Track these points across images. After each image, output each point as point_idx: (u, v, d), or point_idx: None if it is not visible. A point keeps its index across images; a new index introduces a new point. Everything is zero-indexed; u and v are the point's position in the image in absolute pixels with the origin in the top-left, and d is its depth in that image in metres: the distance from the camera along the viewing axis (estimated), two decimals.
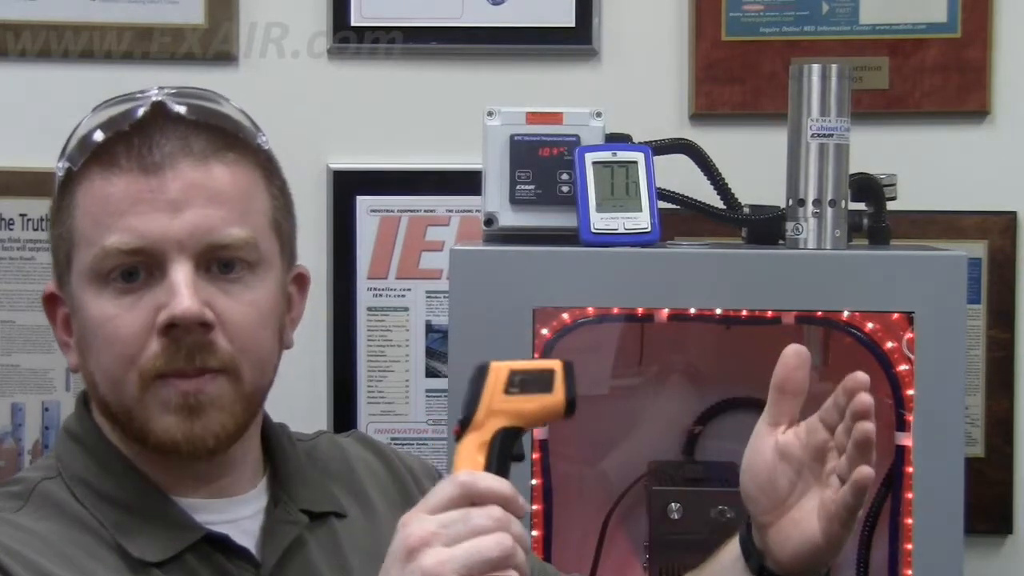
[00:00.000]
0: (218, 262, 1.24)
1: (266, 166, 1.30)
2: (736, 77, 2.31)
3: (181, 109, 1.26)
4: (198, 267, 1.23)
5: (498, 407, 1.17)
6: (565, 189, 1.95)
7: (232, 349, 1.23)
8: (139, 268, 1.23)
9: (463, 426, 1.16)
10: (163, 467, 1.27)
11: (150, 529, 1.25)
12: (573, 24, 2.32)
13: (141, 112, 1.25)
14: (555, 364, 1.20)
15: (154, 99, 1.26)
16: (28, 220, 2.33)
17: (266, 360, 1.28)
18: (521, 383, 1.18)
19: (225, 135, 1.27)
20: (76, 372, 1.29)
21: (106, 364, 1.24)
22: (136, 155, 1.23)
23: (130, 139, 1.24)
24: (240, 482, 1.31)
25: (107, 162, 1.24)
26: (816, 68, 1.90)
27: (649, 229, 1.89)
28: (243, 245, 1.25)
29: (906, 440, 1.87)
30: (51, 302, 1.31)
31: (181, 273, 1.21)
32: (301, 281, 1.37)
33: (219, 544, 1.26)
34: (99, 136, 1.25)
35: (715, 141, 2.13)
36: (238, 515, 1.30)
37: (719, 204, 2.05)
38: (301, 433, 1.46)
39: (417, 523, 1.09)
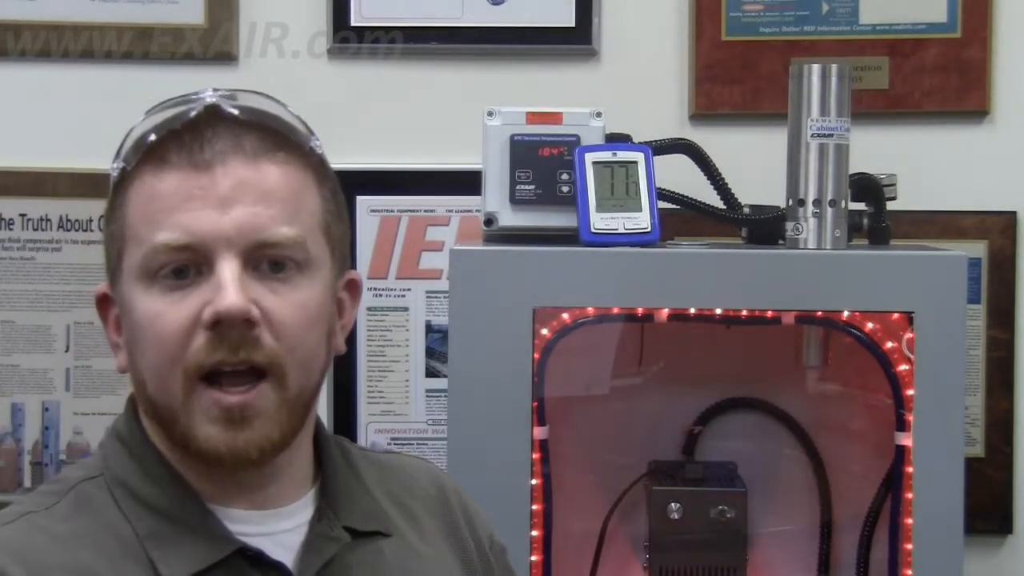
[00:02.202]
0: (267, 261, 1.23)
1: (318, 169, 1.29)
2: (736, 77, 2.31)
3: (234, 110, 1.26)
4: (247, 265, 1.22)
5: None
6: (565, 189, 1.95)
7: (277, 347, 1.22)
8: (188, 266, 1.22)
9: None
10: (206, 474, 1.25)
11: (184, 540, 1.23)
12: (573, 24, 2.32)
13: (194, 113, 1.25)
14: None
15: (208, 101, 1.26)
16: (28, 220, 2.33)
17: (312, 362, 1.26)
18: None
19: (277, 135, 1.26)
20: (124, 373, 1.28)
21: (152, 362, 1.23)
22: (187, 152, 1.23)
23: (181, 137, 1.23)
24: (285, 492, 1.29)
25: (158, 160, 1.23)
26: (816, 68, 1.91)
27: (649, 229, 1.89)
28: (292, 244, 1.23)
29: (906, 440, 1.87)
30: (103, 303, 1.30)
31: (228, 269, 1.20)
32: (353, 287, 1.35)
33: (253, 558, 1.24)
34: (152, 137, 1.24)
35: (715, 141, 2.13)
36: (277, 528, 1.27)
37: (719, 204, 2.05)
38: (365, 448, 1.46)
39: None
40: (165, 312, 1.21)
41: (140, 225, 1.23)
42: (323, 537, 1.28)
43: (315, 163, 1.29)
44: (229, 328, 1.20)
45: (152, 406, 1.25)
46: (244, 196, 1.22)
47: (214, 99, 1.26)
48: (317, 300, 1.26)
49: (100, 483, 1.27)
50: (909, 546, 1.87)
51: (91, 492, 1.26)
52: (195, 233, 1.21)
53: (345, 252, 1.33)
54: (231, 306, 1.19)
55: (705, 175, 2.05)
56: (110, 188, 1.28)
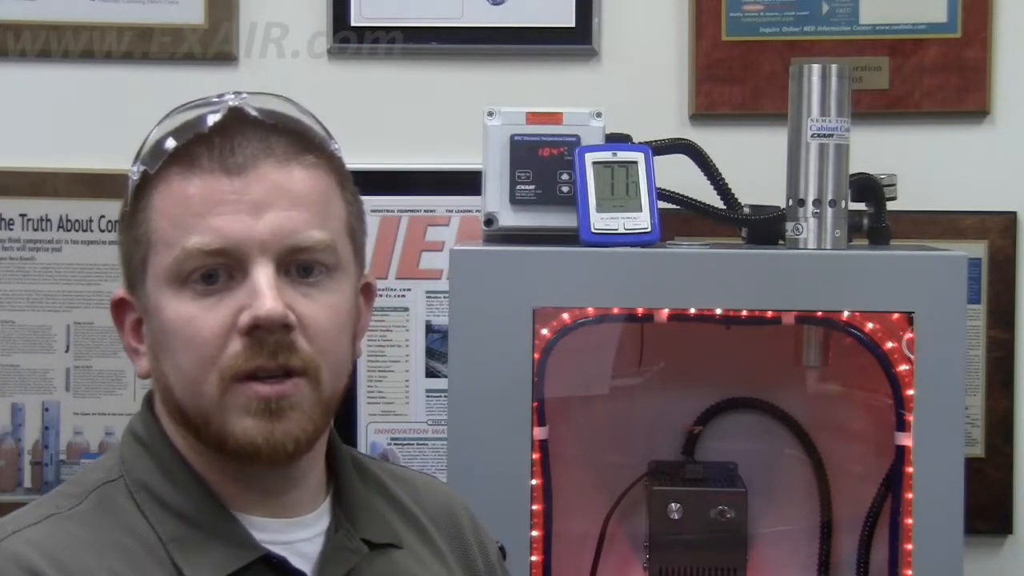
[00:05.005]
0: (297, 265, 1.23)
1: (340, 172, 1.30)
2: (736, 77, 2.31)
3: (258, 114, 1.26)
4: (278, 269, 1.22)
5: None
6: (565, 189, 1.95)
7: (312, 351, 1.22)
8: (219, 270, 1.21)
9: None
10: (232, 476, 1.25)
11: (208, 545, 1.23)
12: (573, 24, 2.32)
13: (220, 116, 1.24)
14: None
15: (231, 104, 1.26)
16: (28, 220, 2.33)
17: (342, 365, 1.27)
18: None
19: (302, 138, 1.27)
20: (146, 378, 1.28)
21: (185, 366, 1.22)
22: (218, 156, 1.22)
23: (211, 140, 1.23)
24: (304, 500, 1.29)
25: (187, 164, 1.23)
26: (816, 68, 1.91)
27: (649, 229, 1.89)
28: (323, 248, 1.24)
29: (906, 440, 1.87)
30: (120, 307, 1.30)
31: (263, 274, 1.20)
32: (368, 291, 1.35)
33: (276, 566, 1.24)
34: (177, 140, 1.24)
35: (715, 141, 2.13)
36: (296, 537, 1.27)
37: (719, 204, 2.05)
38: (376, 458, 1.47)
39: None
40: (198, 316, 1.21)
41: (169, 229, 1.22)
42: (342, 548, 1.28)
43: (337, 166, 1.30)
44: (267, 333, 1.20)
45: (180, 410, 1.24)
46: (277, 200, 1.22)
47: (236, 102, 1.26)
48: (346, 304, 1.26)
49: (120, 486, 1.26)
50: (909, 546, 1.87)
51: (112, 495, 1.25)
52: (229, 237, 1.21)
53: (364, 255, 1.33)
54: (271, 311, 1.19)
55: (705, 175, 2.05)
56: (128, 192, 1.27)
